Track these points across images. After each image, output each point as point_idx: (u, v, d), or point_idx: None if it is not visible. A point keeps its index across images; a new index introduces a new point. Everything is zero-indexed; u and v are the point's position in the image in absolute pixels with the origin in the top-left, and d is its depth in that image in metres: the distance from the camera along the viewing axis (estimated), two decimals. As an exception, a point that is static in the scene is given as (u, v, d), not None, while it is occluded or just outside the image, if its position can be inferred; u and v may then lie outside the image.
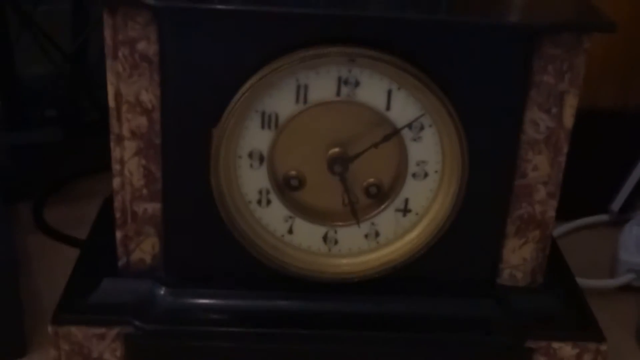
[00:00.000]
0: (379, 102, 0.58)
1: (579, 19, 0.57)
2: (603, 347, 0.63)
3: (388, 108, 0.58)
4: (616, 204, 0.91)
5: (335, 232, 0.62)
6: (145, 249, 0.63)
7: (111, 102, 0.59)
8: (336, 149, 0.60)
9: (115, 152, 0.60)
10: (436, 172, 0.60)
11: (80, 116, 0.88)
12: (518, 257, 0.64)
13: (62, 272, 0.72)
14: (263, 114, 0.58)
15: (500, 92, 0.58)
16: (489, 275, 0.64)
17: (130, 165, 0.61)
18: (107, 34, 0.57)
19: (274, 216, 0.61)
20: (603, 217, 0.92)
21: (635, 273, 0.80)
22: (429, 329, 0.63)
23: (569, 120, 0.60)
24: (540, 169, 0.61)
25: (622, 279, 0.80)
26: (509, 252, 0.64)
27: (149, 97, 0.59)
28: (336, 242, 0.62)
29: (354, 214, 0.61)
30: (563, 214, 0.85)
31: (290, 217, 0.61)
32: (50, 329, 0.62)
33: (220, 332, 0.63)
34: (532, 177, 0.62)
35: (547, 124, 0.60)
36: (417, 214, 0.61)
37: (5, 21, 0.83)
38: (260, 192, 0.61)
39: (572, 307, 0.66)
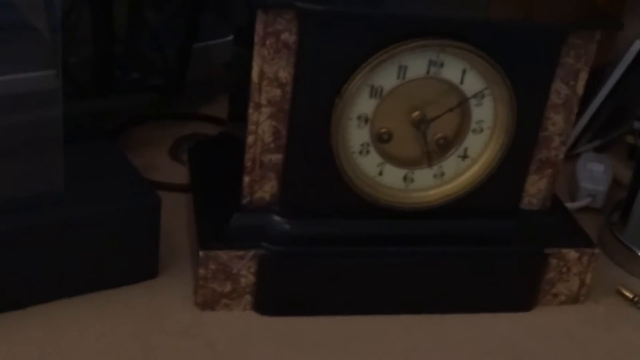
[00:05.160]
0: (455, 77, 0.79)
1: (596, 21, 0.80)
2: (596, 251, 0.88)
3: (462, 82, 0.79)
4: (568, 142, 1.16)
5: (413, 173, 0.83)
6: (266, 189, 0.82)
7: (255, 79, 0.77)
8: (417, 112, 0.81)
9: (253, 116, 0.78)
10: (489, 128, 0.82)
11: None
12: (535, 189, 0.87)
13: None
14: (372, 87, 0.78)
15: (538, 69, 0.80)
16: (516, 202, 0.87)
17: (264, 125, 0.79)
18: (259, 27, 0.74)
19: (370, 163, 0.81)
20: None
21: (592, 197, 1.06)
22: (474, 244, 0.86)
23: (580, 89, 0.83)
24: (557, 125, 0.84)
25: (583, 202, 1.06)
26: (529, 185, 0.87)
27: (285, 74, 0.77)
28: (412, 180, 0.83)
29: (429, 159, 0.82)
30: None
31: (382, 163, 0.82)
32: (201, 253, 0.80)
33: (326, 251, 0.83)
34: (551, 130, 0.84)
35: (566, 92, 0.83)
36: (472, 158, 0.83)
37: None
38: (362, 145, 0.80)
39: (571, 223, 0.90)
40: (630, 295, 0.92)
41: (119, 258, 0.82)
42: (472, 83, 0.79)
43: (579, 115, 1.14)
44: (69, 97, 0.93)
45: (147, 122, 1.11)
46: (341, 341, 0.82)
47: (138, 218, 0.81)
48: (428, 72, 0.78)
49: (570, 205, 1.05)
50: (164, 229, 0.89)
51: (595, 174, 1.08)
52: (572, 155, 1.14)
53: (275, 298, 0.83)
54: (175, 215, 0.95)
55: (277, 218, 0.83)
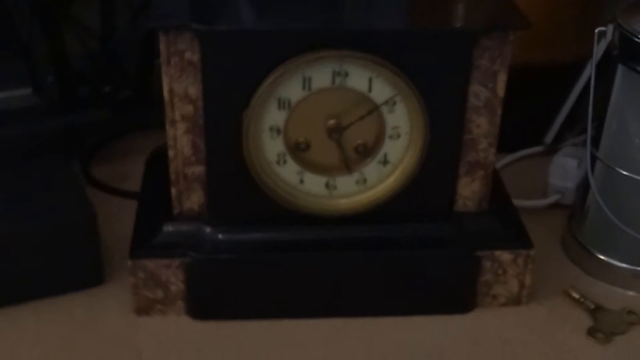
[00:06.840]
0: (362, 86, 0.80)
1: (504, 22, 0.79)
2: (532, 253, 0.87)
3: (370, 90, 0.80)
4: (548, 138, 1.14)
5: (334, 180, 0.84)
6: (194, 200, 0.85)
7: (166, 96, 0.80)
8: (332, 121, 0.82)
9: (170, 132, 0.82)
10: (406, 133, 0.82)
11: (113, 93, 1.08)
12: (468, 191, 0.87)
13: (115, 218, 0.95)
14: (279, 99, 0.80)
15: (450, 73, 0.80)
16: (447, 205, 0.87)
17: (182, 140, 0.82)
18: (162, 47, 0.78)
19: (288, 171, 0.83)
20: (538, 149, 1.15)
21: (562, 194, 1.04)
22: (406, 248, 0.87)
23: (501, 90, 0.82)
24: (481, 127, 0.84)
25: (551, 199, 1.04)
26: (461, 187, 0.87)
27: (194, 91, 0.80)
28: (335, 187, 0.85)
29: (347, 166, 0.83)
30: (507, 147, 1.08)
31: (301, 172, 0.84)
32: (129, 262, 0.85)
33: (251, 257, 0.85)
34: (476, 133, 0.84)
35: (485, 95, 0.82)
36: (393, 164, 0.84)
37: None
38: (278, 155, 0.82)
39: (509, 224, 0.89)
40: (576, 296, 0.90)
41: (61, 268, 0.87)
42: (381, 91, 0.80)
43: (558, 110, 1.12)
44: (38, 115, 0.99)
45: (129, 133, 1.16)
46: (272, 345, 0.85)
47: (74, 231, 0.86)
48: (333, 82, 0.79)
49: (538, 202, 1.04)
50: (123, 235, 0.94)
51: (567, 170, 1.05)
52: (553, 151, 1.12)
53: (205, 304, 0.87)
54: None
55: (205, 227, 0.86)
